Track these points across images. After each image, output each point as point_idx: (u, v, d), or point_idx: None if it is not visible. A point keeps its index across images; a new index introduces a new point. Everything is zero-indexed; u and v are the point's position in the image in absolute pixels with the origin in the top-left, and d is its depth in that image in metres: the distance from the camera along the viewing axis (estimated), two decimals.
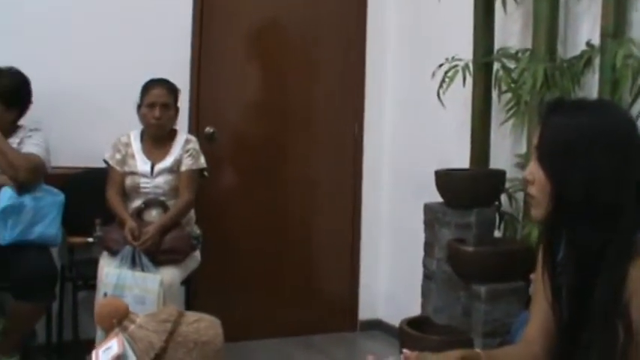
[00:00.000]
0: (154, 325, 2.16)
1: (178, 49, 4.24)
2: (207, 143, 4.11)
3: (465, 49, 3.69)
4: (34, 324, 3.65)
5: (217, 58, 4.36)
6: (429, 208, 3.71)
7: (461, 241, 3.50)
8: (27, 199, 3.54)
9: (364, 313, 4.73)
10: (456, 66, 3.65)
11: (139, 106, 3.75)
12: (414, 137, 4.48)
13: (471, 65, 3.65)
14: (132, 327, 2.17)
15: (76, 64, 4.03)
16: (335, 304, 4.70)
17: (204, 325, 2.22)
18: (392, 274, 4.66)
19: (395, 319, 4.32)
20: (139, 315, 2.24)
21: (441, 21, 4.23)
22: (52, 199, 3.64)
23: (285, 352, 4.22)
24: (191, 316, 2.26)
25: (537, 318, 1.85)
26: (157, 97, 3.71)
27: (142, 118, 3.74)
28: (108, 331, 2.21)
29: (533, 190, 1.73)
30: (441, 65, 3.69)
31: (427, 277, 3.70)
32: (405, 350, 1.81)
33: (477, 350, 1.90)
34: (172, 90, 3.79)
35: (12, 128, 3.70)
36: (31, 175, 3.57)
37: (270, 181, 4.52)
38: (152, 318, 2.21)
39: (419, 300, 3.75)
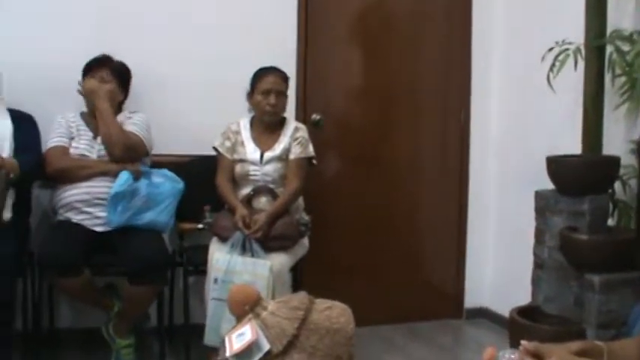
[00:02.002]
0: (285, 312, 2.18)
1: (284, 37, 4.27)
2: (313, 130, 4.12)
3: (575, 32, 3.59)
4: (147, 307, 3.74)
5: (323, 45, 4.37)
6: (540, 196, 3.63)
7: (573, 230, 3.42)
8: (142, 186, 3.62)
9: (470, 301, 4.69)
10: (567, 50, 3.55)
11: (251, 94, 3.79)
12: (521, 123, 4.39)
13: (582, 49, 3.55)
14: (264, 314, 2.19)
15: (185, 54, 4.12)
16: (441, 292, 4.67)
17: (335, 312, 2.23)
18: (499, 261, 4.59)
19: (501, 308, 4.30)
20: (270, 302, 2.26)
21: (550, 3, 4.12)
22: (171, 186, 3.72)
23: (390, 339, 4.21)
24: (322, 303, 2.27)
25: None
26: (272, 84, 3.75)
27: (256, 105, 3.77)
28: (240, 318, 2.23)
29: None
30: (550, 49, 3.60)
31: (538, 265, 3.63)
32: (523, 342, 1.78)
33: (598, 342, 1.85)
34: (285, 78, 3.83)
35: (116, 113, 3.80)
36: (127, 153, 3.66)
37: (375, 168, 4.51)
38: (284, 305, 2.23)
39: (526, 288, 3.68)
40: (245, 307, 2.20)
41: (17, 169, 3.48)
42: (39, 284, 3.74)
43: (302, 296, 2.29)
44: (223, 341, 2.20)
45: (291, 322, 2.16)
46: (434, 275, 4.68)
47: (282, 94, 3.79)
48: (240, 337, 2.14)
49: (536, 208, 3.65)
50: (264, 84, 3.74)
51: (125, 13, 4.04)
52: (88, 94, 3.73)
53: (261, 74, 3.78)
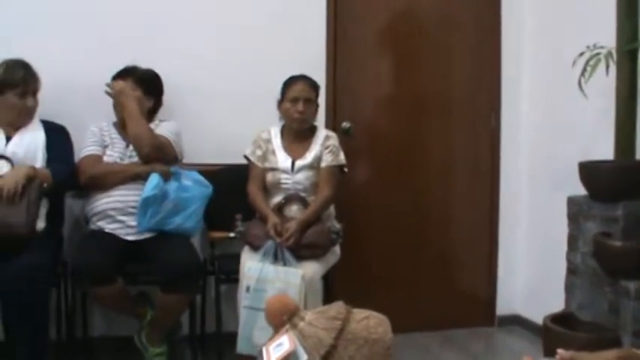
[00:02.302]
0: (323, 322, 2.17)
1: (314, 46, 4.28)
2: (343, 138, 4.12)
3: (606, 37, 3.55)
4: (179, 315, 3.75)
5: (352, 53, 4.37)
6: (572, 201, 3.61)
7: (607, 235, 3.38)
8: (171, 189, 3.64)
9: (502, 308, 4.66)
10: (598, 54, 3.52)
11: (280, 102, 3.81)
12: (552, 128, 4.36)
13: (614, 53, 3.52)
14: (301, 324, 2.19)
15: (216, 64, 4.16)
16: (473, 299, 4.64)
17: (373, 322, 2.22)
18: (531, 268, 4.56)
19: (534, 315, 4.27)
20: (307, 312, 2.26)
21: (581, 7, 4.09)
22: (199, 190, 3.73)
23: (423, 347, 4.19)
24: (360, 313, 2.26)
25: None
26: (299, 92, 3.76)
27: (285, 112, 3.79)
28: (277, 328, 2.23)
29: None
30: (581, 54, 3.57)
31: (571, 271, 3.60)
32: (559, 350, 1.76)
33: (636, 350, 1.82)
34: (314, 86, 3.84)
35: (147, 119, 3.84)
36: (154, 152, 3.69)
37: (406, 174, 4.50)
38: (321, 315, 2.22)
39: (560, 295, 3.65)
40: (283, 317, 2.20)
41: (50, 179, 3.53)
42: (72, 293, 3.77)
43: (339, 306, 2.28)
44: (261, 352, 2.19)
45: (329, 332, 2.15)
46: (466, 282, 4.65)
47: (310, 102, 3.80)
48: (278, 347, 2.13)
49: (569, 214, 3.62)
50: (293, 92, 3.76)
51: (155, 24, 4.08)
52: (116, 96, 3.77)
53: (290, 82, 3.80)
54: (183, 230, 3.67)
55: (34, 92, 3.67)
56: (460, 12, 4.55)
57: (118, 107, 3.79)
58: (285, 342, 2.13)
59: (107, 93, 3.78)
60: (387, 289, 4.40)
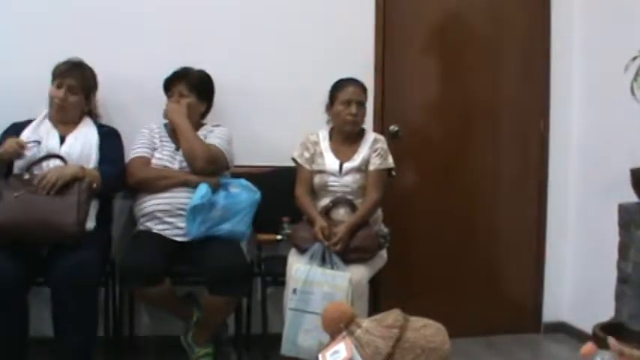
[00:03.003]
0: (380, 330, 2.17)
1: (362, 49, 4.26)
2: (391, 141, 4.10)
3: None
4: (226, 317, 3.78)
5: (400, 57, 4.35)
6: (624, 209, 3.55)
7: None
8: (220, 198, 3.67)
9: (549, 315, 4.60)
10: None
11: (330, 105, 3.80)
12: (603, 134, 4.29)
13: None
14: (358, 331, 2.18)
15: (264, 67, 4.17)
16: (518, 305, 4.59)
17: (431, 330, 2.21)
18: (579, 275, 4.49)
19: (581, 323, 4.23)
20: (364, 320, 2.25)
21: (631, 11, 4.03)
22: (248, 196, 3.75)
23: (468, 352, 4.16)
24: (417, 321, 2.25)
25: None
26: (352, 95, 3.76)
27: (337, 115, 3.78)
28: (334, 336, 2.23)
29: None
30: (634, 58, 3.51)
31: (621, 280, 3.55)
32: (611, 340, 1.72)
33: None
34: (364, 88, 3.85)
35: (198, 125, 3.88)
36: (208, 165, 3.71)
37: (453, 179, 4.47)
38: (378, 323, 2.22)
39: (608, 304, 3.60)
40: (339, 324, 2.20)
41: (99, 180, 3.56)
42: (120, 293, 3.80)
43: (396, 314, 2.27)
44: (317, 359, 2.19)
45: (386, 340, 2.15)
46: (512, 288, 4.61)
47: (362, 105, 3.80)
48: (334, 355, 2.13)
49: (620, 222, 3.56)
50: (345, 94, 3.75)
51: (205, 26, 4.10)
52: (168, 116, 3.81)
53: (341, 85, 3.79)
54: (233, 235, 3.69)
55: (71, 87, 3.69)
56: (509, 15, 4.50)
57: (170, 124, 3.83)
58: (341, 349, 2.13)
59: (164, 117, 3.83)
60: (433, 293, 4.37)
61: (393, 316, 2.26)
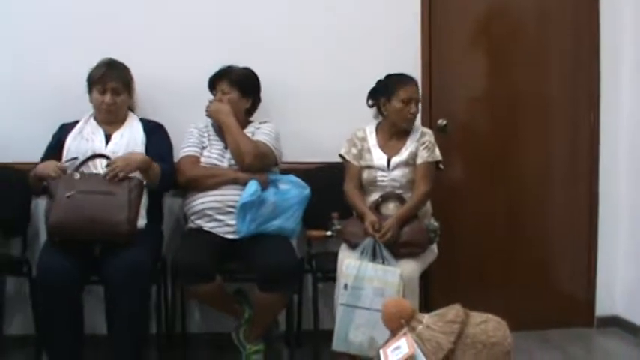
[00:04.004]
0: (441, 326, 2.16)
1: (409, 43, 4.23)
2: (439, 135, 4.07)
3: None
4: (277, 314, 3.78)
5: (447, 50, 4.33)
6: None
7: None
8: (270, 195, 3.68)
9: (601, 309, 4.53)
10: None
11: (386, 101, 3.78)
12: None
13: None
14: (419, 327, 2.17)
15: (310, 64, 4.17)
16: (570, 299, 4.53)
17: (492, 325, 2.19)
18: (632, 268, 4.41)
19: (635, 316, 4.16)
20: (425, 315, 2.24)
21: None
22: (297, 192, 3.75)
23: (520, 347, 4.08)
24: (477, 316, 2.24)
25: None
26: (412, 93, 3.75)
27: (395, 112, 3.75)
28: (394, 331, 2.22)
29: None
30: None
31: None
32: None
33: None
34: (418, 86, 3.84)
35: (244, 122, 3.88)
36: (257, 162, 3.72)
37: (502, 172, 4.43)
38: (439, 318, 2.21)
39: None
40: (400, 320, 2.19)
41: (159, 176, 3.63)
42: (172, 290, 3.83)
43: (457, 309, 2.26)
44: (378, 355, 2.19)
45: (447, 335, 2.14)
46: (563, 281, 4.55)
47: (419, 102, 3.80)
48: (396, 350, 2.12)
49: None
50: (406, 92, 3.73)
51: (251, 23, 4.13)
52: (213, 116, 3.82)
53: (400, 82, 3.76)
54: (282, 232, 3.69)
55: (116, 90, 3.72)
56: (557, 7, 4.44)
57: (217, 124, 3.84)
58: (403, 345, 2.12)
59: (207, 116, 3.83)
60: (484, 288, 4.33)
61: (454, 311, 2.24)
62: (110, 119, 3.75)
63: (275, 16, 4.15)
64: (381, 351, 2.19)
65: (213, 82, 3.89)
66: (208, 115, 3.83)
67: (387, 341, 2.25)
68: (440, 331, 2.17)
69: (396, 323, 2.21)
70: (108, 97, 3.71)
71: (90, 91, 3.74)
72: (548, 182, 4.51)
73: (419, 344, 2.15)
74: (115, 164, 3.48)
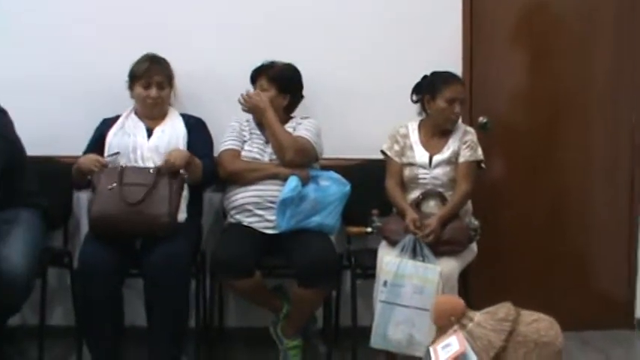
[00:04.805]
0: (492, 324, 2.14)
1: (450, 39, 4.20)
2: (480, 133, 4.04)
3: None
4: (315, 310, 3.78)
5: (488, 47, 4.29)
6: None
7: None
8: (310, 191, 3.67)
9: None
10: None
11: (430, 99, 3.75)
12: None
13: None
14: (470, 325, 2.16)
15: (351, 60, 4.15)
16: (610, 300, 4.47)
17: (543, 324, 2.17)
18: None
19: None
20: (476, 313, 2.23)
21: None
22: (338, 189, 3.74)
23: (563, 349, 4.07)
24: (528, 315, 2.22)
25: None
26: (457, 94, 3.72)
27: (440, 112, 3.72)
28: (444, 329, 2.21)
29: None
30: None
31: None
32: None
33: None
34: (464, 86, 3.83)
35: (285, 118, 3.87)
36: (298, 157, 3.72)
37: (543, 171, 4.38)
38: (490, 316, 2.19)
39: None
40: (450, 317, 2.18)
41: (201, 170, 3.65)
42: (210, 284, 3.84)
43: (508, 307, 2.24)
44: (428, 352, 2.17)
45: (498, 334, 2.12)
46: (603, 283, 4.49)
47: (463, 102, 3.79)
48: (446, 348, 2.11)
49: None
50: (451, 92, 3.70)
51: (294, 21, 4.13)
52: (252, 111, 3.82)
53: (446, 81, 3.73)
54: (322, 228, 3.68)
55: (160, 85, 3.76)
56: (600, 2, 4.38)
57: (257, 118, 3.85)
58: (453, 343, 2.11)
59: (243, 110, 3.84)
60: (523, 288, 4.28)
61: (505, 309, 2.23)
62: (154, 114, 3.78)
63: (319, 12, 4.15)
64: (431, 348, 2.17)
65: (255, 77, 3.89)
66: (246, 110, 3.83)
67: (436, 338, 2.24)
68: (491, 329, 2.15)
69: (446, 320, 2.19)
70: (153, 92, 3.74)
71: (132, 86, 3.77)
72: (589, 181, 4.46)
73: (469, 342, 2.13)
74: (171, 155, 3.51)
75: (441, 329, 2.24)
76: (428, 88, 3.77)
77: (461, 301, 2.29)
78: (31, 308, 3.75)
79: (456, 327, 2.16)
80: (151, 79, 3.73)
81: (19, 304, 3.39)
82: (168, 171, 3.47)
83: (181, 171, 3.53)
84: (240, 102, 3.80)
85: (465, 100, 3.83)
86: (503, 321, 2.16)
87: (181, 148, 3.66)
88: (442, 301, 2.33)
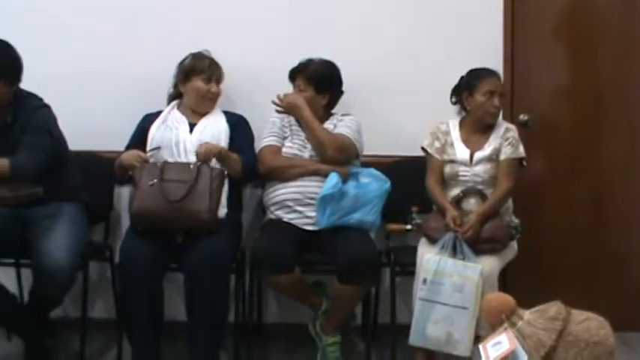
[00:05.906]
0: (542, 323, 2.13)
1: (491, 36, 4.17)
2: (521, 130, 4.01)
3: None
4: (354, 306, 3.78)
5: (530, 43, 4.26)
6: None
7: None
8: (350, 187, 3.67)
9: None
10: None
11: (469, 94, 3.74)
12: None
13: None
14: (520, 323, 2.15)
15: (392, 57, 4.14)
16: None
17: (594, 324, 2.16)
18: None
19: None
20: (526, 311, 2.21)
21: None
22: (378, 185, 3.73)
23: None
24: (579, 314, 2.20)
25: None
26: (495, 86, 3.70)
27: (479, 106, 3.70)
28: (494, 327, 2.20)
29: None
30: None
31: None
32: None
33: None
34: (500, 79, 3.80)
35: (325, 115, 3.87)
36: (338, 154, 3.72)
37: (584, 169, 4.34)
38: (540, 315, 2.17)
39: None
40: (501, 315, 2.16)
41: (239, 166, 3.67)
42: (249, 280, 3.85)
43: (558, 306, 2.22)
44: (478, 350, 2.16)
45: (549, 332, 2.10)
46: None
47: (502, 96, 3.74)
48: (496, 346, 2.10)
49: None
50: (488, 85, 3.68)
51: (334, 19, 4.15)
52: (289, 111, 3.83)
53: (482, 75, 3.72)
54: (362, 225, 3.68)
55: (218, 80, 3.84)
56: None
57: (295, 117, 3.86)
58: (504, 341, 2.10)
59: (277, 111, 3.84)
60: (564, 286, 4.23)
61: (556, 308, 2.21)
62: (208, 108, 3.84)
63: (359, 10, 4.15)
64: (481, 346, 2.16)
65: (293, 76, 3.90)
66: (282, 111, 3.83)
67: (486, 336, 2.23)
68: (541, 327, 2.13)
69: (496, 318, 2.18)
70: (214, 87, 3.81)
71: (186, 80, 3.80)
72: (632, 178, 4.38)
73: (519, 340, 2.12)
74: (201, 147, 3.56)
75: (491, 327, 2.23)
76: (466, 86, 3.76)
77: (511, 299, 2.27)
78: (72, 301, 3.84)
79: (506, 325, 2.15)
80: (213, 75, 3.80)
81: (62, 297, 3.46)
82: (204, 158, 3.54)
83: (215, 164, 3.54)
84: (274, 103, 3.81)
85: (504, 94, 3.81)
86: (553, 320, 2.14)
87: (214, 143, 3.66)
88: (492, 298, 2.32)
